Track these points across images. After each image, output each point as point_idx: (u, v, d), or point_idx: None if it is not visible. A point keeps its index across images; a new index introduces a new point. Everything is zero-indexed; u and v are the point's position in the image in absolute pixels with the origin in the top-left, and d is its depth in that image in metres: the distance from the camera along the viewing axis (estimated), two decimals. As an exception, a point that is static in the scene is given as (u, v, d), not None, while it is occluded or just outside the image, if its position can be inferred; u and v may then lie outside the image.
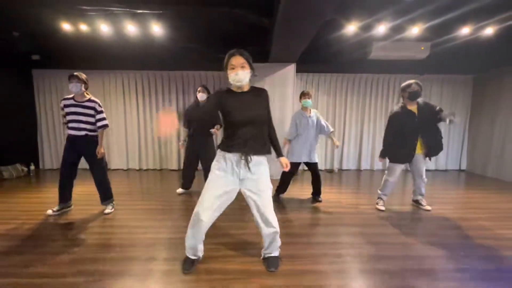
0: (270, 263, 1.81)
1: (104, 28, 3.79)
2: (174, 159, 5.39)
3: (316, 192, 3.37)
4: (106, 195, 2.90)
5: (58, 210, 2.81)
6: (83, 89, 2.65)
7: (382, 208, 3.05)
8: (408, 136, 2.87)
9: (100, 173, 2.83)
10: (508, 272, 1.79)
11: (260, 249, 1.93)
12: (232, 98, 1.66)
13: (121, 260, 1.89)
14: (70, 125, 2.67)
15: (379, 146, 5.50)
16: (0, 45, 4.40)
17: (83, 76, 2.67)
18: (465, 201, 3.54)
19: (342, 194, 3.76)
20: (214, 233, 2.22)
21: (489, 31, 3.71)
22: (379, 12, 3.39)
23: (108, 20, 3.66)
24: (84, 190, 3.65)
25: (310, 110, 3.26)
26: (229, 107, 1.64)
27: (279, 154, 1.86)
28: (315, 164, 3.29)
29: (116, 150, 5.39)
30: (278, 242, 1.84)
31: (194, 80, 5.28)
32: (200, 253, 1.84)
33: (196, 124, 3.42)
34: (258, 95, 1.72)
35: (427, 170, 5.41)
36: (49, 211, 2.77)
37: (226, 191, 1.67)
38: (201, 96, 3.42)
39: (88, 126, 2.69)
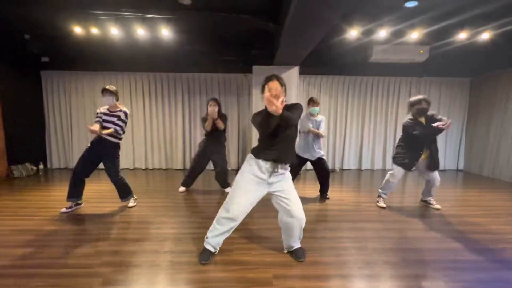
0: (299, 253, 1.96)
1: (115, 31, 3.91)
2: (180, 159, 5.52)
3: (323, 189, 3.53)
4: (122, 192, 3.12)
5: (70, 207, 2.94)
6: (115, 101, 2.91)
7: (383, 205, 3.21)
8: (414, 146, 3.00)
9: (113, 174, 3.04)
10: (499, 263, 1.94)
11: (273, 243, 2.07)
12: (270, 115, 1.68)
13: (141, 253, 2.02)
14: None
15: (379, 147, 5.70)
16: (11, 47, 4.52)
17: (113, 88, 2.92)
18: (461, 199, 3.69)
19: (344, 192, 3.90)
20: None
21: (485, 36, 3.87)
22: (381, 17, 3.55)
23: (118, 23, 3.79)
24: (96, 188, 3.79)
25: (317, 114, 3.48)
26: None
27: None
28: (320, 159, 3.43)
29: (123, 150, 5.49)
30: (301, 234, 1.99)
31: (199, 82, 5.41)
32: (218, 247, 1.98)
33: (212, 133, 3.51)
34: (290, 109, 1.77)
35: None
36: (63, 209, 2.90)
37: (258, 195, 1.86)
38: (212, 112, 3.33)
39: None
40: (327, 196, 3.51)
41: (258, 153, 1.83)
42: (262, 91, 1.79)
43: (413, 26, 3.79)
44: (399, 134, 5.57)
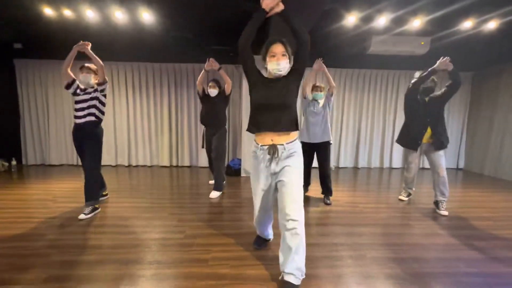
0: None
1: (90, 14, 3.55)
2: (166, 155, 5.18)
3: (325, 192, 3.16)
4: (88, 195, 2.55)
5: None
6: (93, 80, 2.69)
7: (404, 198, 3.20)
8: (417, 121, 2.88)
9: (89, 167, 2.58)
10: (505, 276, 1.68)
11: (251, 251, 1.77)
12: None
13: (98, 264, 1.70)
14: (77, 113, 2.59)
15: (376, 144, 5.43)
16: (-22, 32, 4.12)
17: (93, 66, 2.70)
18: (464, 199, 3.44)
19: (339, 192, 3.61)
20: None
21: (491, 25, 3.60)
22: (381, 1, 3.25)
23: (93, 5, 3.43)
24: (70, 186, 3.45)
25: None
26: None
27: None
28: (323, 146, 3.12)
29: (105, 146, 5.11)
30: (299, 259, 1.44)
31: (187, 73, 5.06)
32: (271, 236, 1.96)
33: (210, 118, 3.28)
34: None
35: (425, 169, 5.40)
36: (81, 216, 2.44)
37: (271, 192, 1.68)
38: (213, 93, 3.25)
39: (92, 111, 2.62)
40: (328, 202, 3.08)
41: (252, 126, 1.59)
42: (265, 55, 1.59)
43: (414, 12, 3.51)
44: (398, 130, 5.38)
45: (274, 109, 1.51)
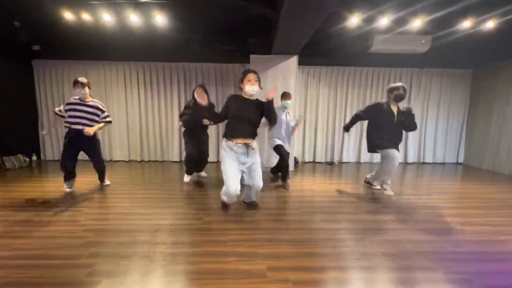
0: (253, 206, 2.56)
1: (107, 17, 3.77)
2: (176, 151, 5.44)
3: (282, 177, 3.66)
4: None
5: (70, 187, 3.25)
6: (87, 93, 3.12)
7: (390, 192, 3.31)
8: (384, 129, 3.14)
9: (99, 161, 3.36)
10: (499, 255, 1.89)
11: (263, 234, 2.01)
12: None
13: (131, 244, 1.96)
14: (72, 120, 3.06)
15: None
16: (1, 35, 4.37)
17: (85, 80, 3.11)
18: (460, 191, 3.64)
19: (342, 185, 3.84)
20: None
21: (490, 24, 3.75)
22: (382, 3, 3.42)
23: (111, 9, 3.65)
24: (86, 180, 3.72)
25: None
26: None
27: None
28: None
29: (118, 142, 5.42)
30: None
31: (196, 72, 5.28)
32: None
33: (195, 123, 3.54)
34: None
35: (425, 163, 5.59)
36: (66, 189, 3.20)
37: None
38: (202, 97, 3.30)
39: (89, 123, 3.13)
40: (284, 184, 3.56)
41: (230, 134, 2.31)
42: (243, 80, 2.31)
43: (415, 13, 3.67)
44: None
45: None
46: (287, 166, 3.57)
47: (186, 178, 3.81)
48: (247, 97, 2.33)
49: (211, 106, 3.29)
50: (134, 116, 5.35)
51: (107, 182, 3.53)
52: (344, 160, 5.62)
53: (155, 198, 3.05)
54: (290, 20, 2.86)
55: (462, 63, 5.36)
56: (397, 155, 3.09)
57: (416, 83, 5.47)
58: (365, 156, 5.63)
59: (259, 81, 2.30)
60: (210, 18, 4.03)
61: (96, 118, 3.18)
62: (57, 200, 2.91)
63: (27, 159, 4.90)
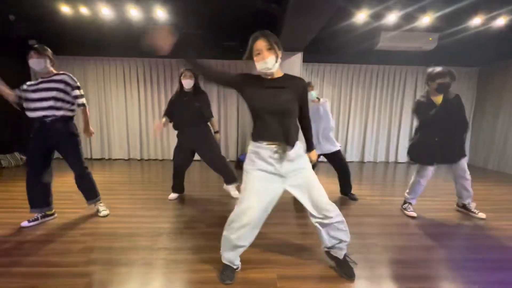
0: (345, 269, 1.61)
1: (106, 11, 3.64)
2: (176, 149, 5.33)
3: (344, 188, 3.16)
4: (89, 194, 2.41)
5: (34, 220, 2.22)
6: (48, 65, 2.21)
7: (413, 214, 2.58)
8: (429, 132, 2.46)
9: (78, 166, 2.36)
10: (508, 261, 1.82)
11: (273, 240, 1.91)
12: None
13: (131, 249, 1.86)
14: (33, 105, 2.17)
15: (382, 139, 5.54)
16: (-4, 29, 4.22)
17: (48, 51, 2.23)
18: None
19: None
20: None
21: (500, 21, 3.65)
22: (391, -1, 3.31)
23: (109, 3, 3.51)
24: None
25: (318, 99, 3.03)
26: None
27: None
28: (333, 154, 3.08)
29: (117, 140, 5.30)
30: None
31: (196, 69, 5.15)
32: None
33: (183, 116, 2.80)
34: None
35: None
36: (24, 223, 2.18)
37: (273, 195, 1.56)
38: (188, 83, 2.70)
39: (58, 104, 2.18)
40: (353, 196, 3.11)
41: (258, 135, 1.46)
42: (251, 55, 1.44)
43: (423, 9, 3.56)
44: (404, 125, 5.47)
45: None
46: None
47: (170, 195, 2.98)
48: (264, 77, 1.47)
49: (202, 93, 2.73)
50: (134, 113, 5.23)
51: (101, 210, 2.43)
52: (348, 159, 5.53)
53: (155, 199, 2.95)
54: (296, 15, 2.75)
55: (468, 61, 5.26)
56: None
57: (421, 82, 5.37)
58: (369, 156, 5.55)
59: (274, 46, 1.39)
60: (213, 14, 3.90)
61: (67, 98, 2.24)
62: (54, 201, 2.80)
63: (24, 158, 4.78)
